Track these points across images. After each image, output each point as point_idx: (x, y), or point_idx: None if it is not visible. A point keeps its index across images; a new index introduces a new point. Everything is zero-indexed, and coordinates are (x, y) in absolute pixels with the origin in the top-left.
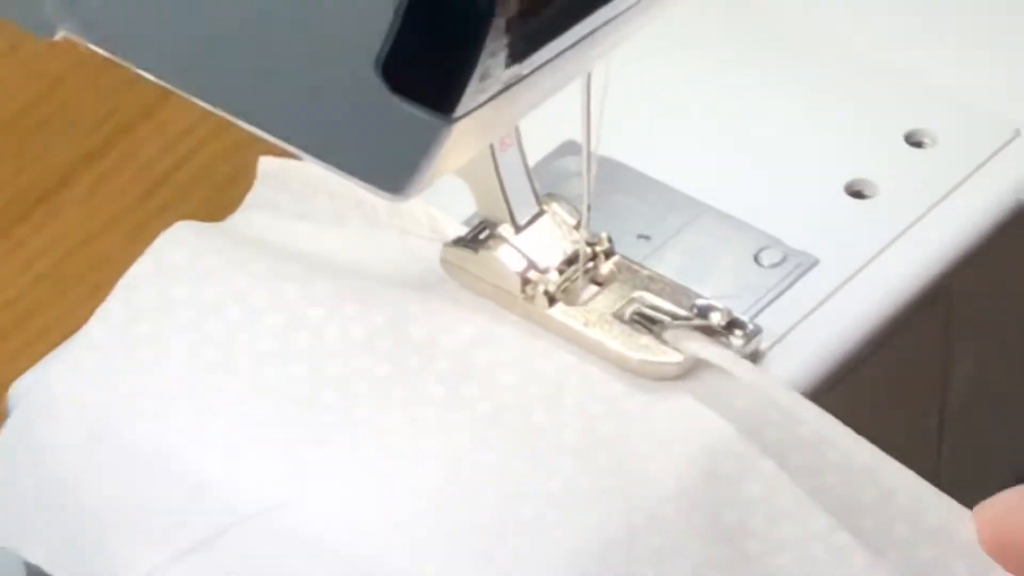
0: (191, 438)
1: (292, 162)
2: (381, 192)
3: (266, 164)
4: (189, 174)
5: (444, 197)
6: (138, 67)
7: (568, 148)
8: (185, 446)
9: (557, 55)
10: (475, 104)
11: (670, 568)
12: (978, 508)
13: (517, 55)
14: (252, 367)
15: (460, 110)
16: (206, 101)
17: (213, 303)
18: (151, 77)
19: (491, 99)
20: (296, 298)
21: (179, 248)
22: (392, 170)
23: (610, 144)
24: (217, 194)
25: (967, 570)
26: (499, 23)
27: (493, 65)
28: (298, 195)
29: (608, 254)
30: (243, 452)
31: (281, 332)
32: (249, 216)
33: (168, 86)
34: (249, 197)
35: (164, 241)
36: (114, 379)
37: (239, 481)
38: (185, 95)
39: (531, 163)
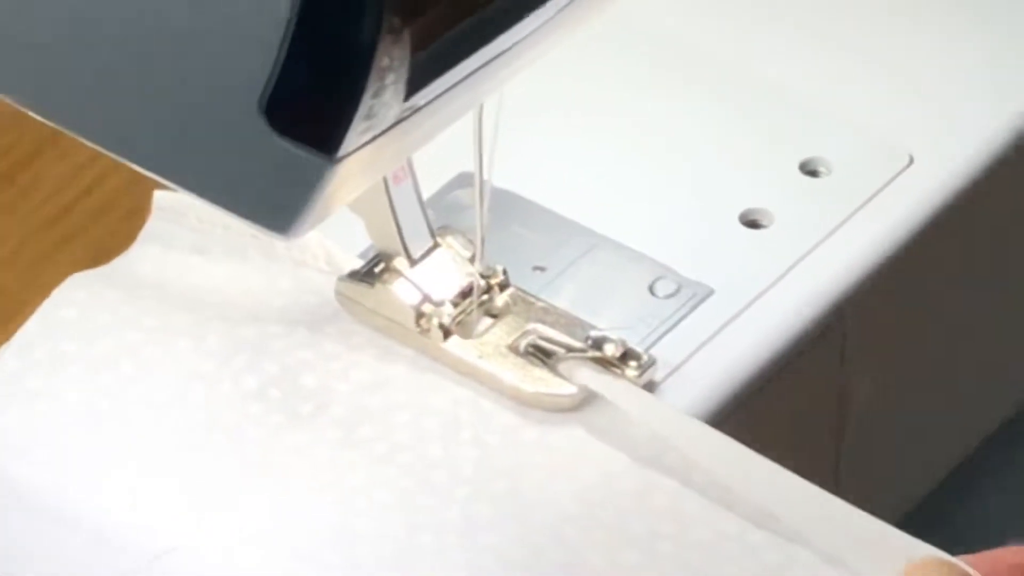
0: (87, 488)
1: (189, 196)
2: (267, 232)
3: (161, 198)
4: (92, 204)
5: (341, 230)
6: (23, 106)
7: (463, 180)
8: (82, 496)
9: (444, 92)
10: (360, 143)
11: None
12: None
13: (402, 93)
14: (145, 417)
15: (344, 149)
16: (91, 140)
17: (105, 357)
18: (35, 115)
19: (377, 137)
20: (188, 352)
21: (70, 305)
22: (277, 210)
23: (505, 176)
24: (121, 224)
25: (873, 566)
26: (382, 63)
27: (378, 104)
28: (194, 228)
29: (503, 286)
30: (140, 498)
31: (174, 384)
32: (144, 250)
33: (51, 123)
34: (144, 230)
35: (56, 299)
36: (6, 431)
37: (137, 527)
38: (71, 134)
39: (426, 195)
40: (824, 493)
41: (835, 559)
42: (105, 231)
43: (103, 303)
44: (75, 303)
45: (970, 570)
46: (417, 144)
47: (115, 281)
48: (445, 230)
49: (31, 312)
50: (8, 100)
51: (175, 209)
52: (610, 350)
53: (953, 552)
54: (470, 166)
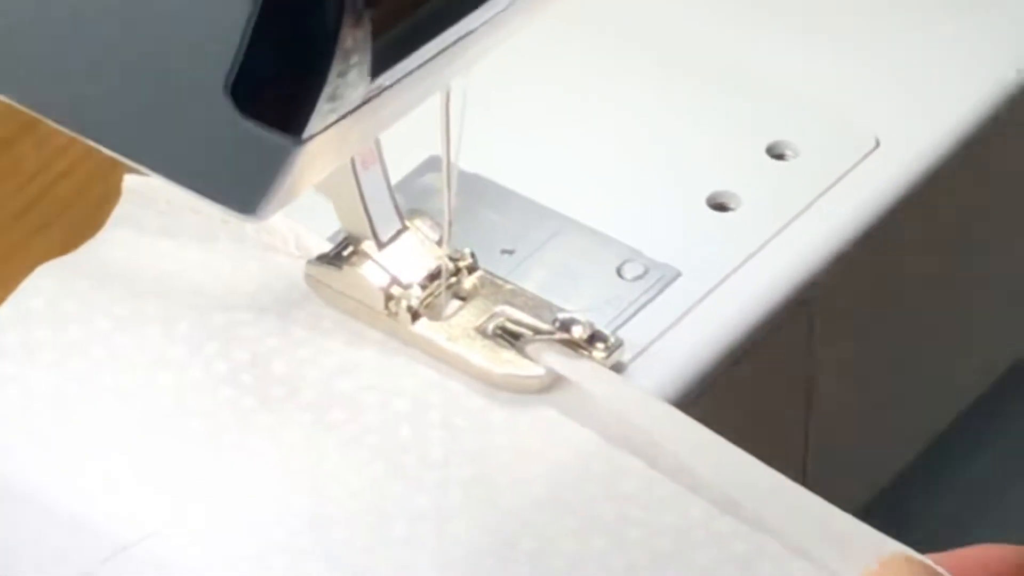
0: (61, 474)
1: (158, 180)
2: (234, 214)
3: (131, 181)
4: (67, 191)
5: (310, 213)
6: None
7: (432, 164)
8: (55, 482)
9: (410, 72)
10: (325, 124)
11: (546, 565)
12: None
13: (367, 74)
14: (117, 403)
15: (309, 131)
16: (59, 123)
17: (75, 345)
18: (5, 98)
19: (342, 118)
20: (158, 339)
21: (38, 295)
22: (244, 191)
23: (473, 159)
24: (96, 210)
25: (840, 561)
26: (346, 44)
27: (343, 85)
28: (163, 212)
29: (471, 269)
30: (114, 485)
31: (145, 370)
32: (114, 235)
33: (22, 107)
34: (114, 214)
35: (25, 288)
36: None
37: (112, 514)
38: (39, 117)
39: (395, 179)
40: (791, 483)
41: (802, 551)
42: (79, 217)
43: (71, 292)
44: (44, 292)
45: (938, 568)
46: (383, 126)
47: (84, 269)
48: (413, 213)
49: (4, 299)
50: None
51: (144, 193)
52: (578, 332)
53: (921, 537)
54: (439, 150)
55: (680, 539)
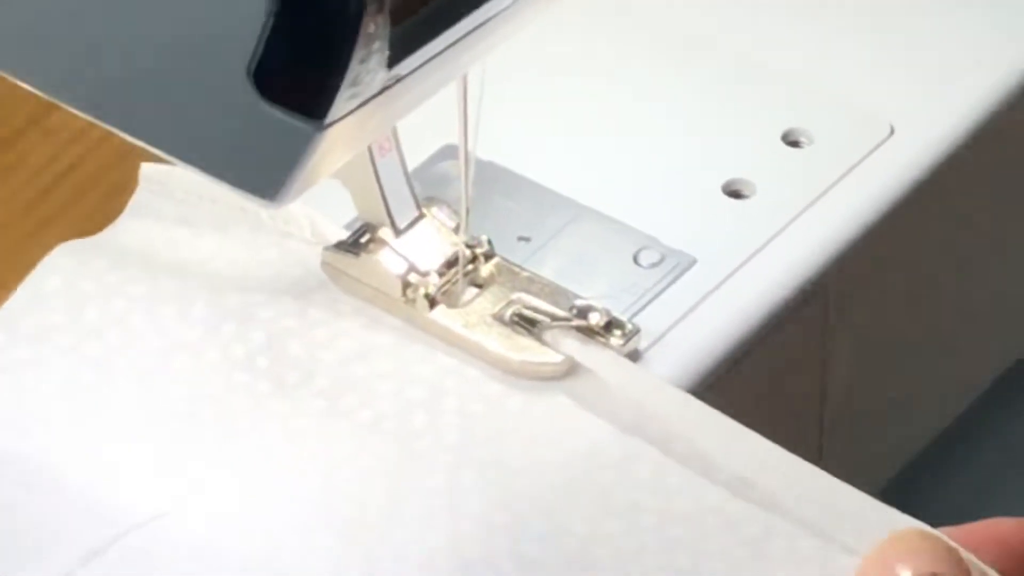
0: (73, 454)
1: (174, 168)
2: (255, 199)
3: (148, 170)
4: (78, 182)
5: (327, 201)
6: (14, 77)
7: (448, 152)
8: (67, 462)
9: (430, 59)
10: (347, 110)
11: (556, 546)
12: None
13: (388, 60)
14: (132, 386)
15: (331, 116)
16: (79, 109)
17: (92, 327)
18: (26, 85)
19: (363, 104)
20: (174, 321)
21: (56, 275)
22: (265, 177)
23: (490, 147)
24: (106, 201)
25: (852, 537)
26: (368, 30)
27: (364, 71)
28: (180, 201)
29: (488, 256)
30: (125, 466)
31: (160, 353)
32: (130, 223)
33: (42, 94)
34: (131, 203)
35: (42, 268)
36: None
37: (123, 494)
38: (59, 103)
39: (411, 167)
40: (806, 464)
41: (816, 530)
42: (90, 208)
43: (89, 271)
44: (61, 271)
45: (951, 542)
46: (401, 113)
47: (102, 251)
48: (430, 201)
49: (14, 290)
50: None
51: (162, 181)
52: (595, 319)
53: (934, 522)
54: (455, 138)
55: (692, 526)
